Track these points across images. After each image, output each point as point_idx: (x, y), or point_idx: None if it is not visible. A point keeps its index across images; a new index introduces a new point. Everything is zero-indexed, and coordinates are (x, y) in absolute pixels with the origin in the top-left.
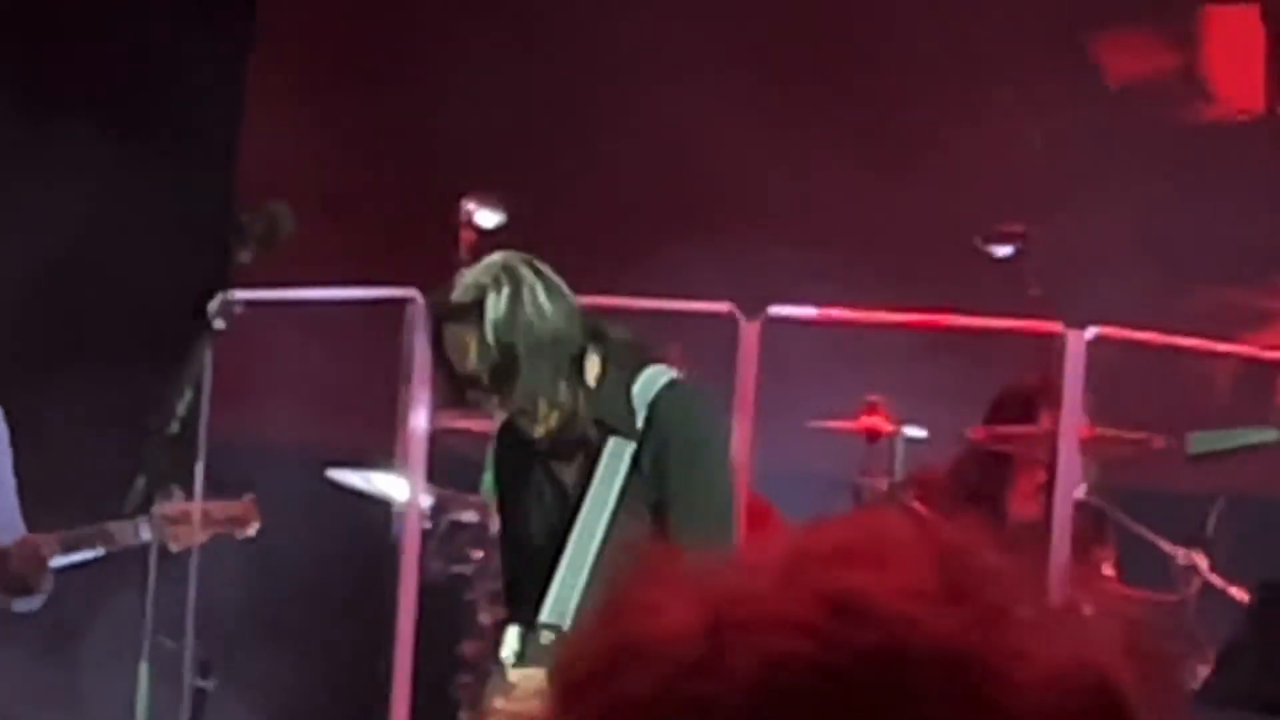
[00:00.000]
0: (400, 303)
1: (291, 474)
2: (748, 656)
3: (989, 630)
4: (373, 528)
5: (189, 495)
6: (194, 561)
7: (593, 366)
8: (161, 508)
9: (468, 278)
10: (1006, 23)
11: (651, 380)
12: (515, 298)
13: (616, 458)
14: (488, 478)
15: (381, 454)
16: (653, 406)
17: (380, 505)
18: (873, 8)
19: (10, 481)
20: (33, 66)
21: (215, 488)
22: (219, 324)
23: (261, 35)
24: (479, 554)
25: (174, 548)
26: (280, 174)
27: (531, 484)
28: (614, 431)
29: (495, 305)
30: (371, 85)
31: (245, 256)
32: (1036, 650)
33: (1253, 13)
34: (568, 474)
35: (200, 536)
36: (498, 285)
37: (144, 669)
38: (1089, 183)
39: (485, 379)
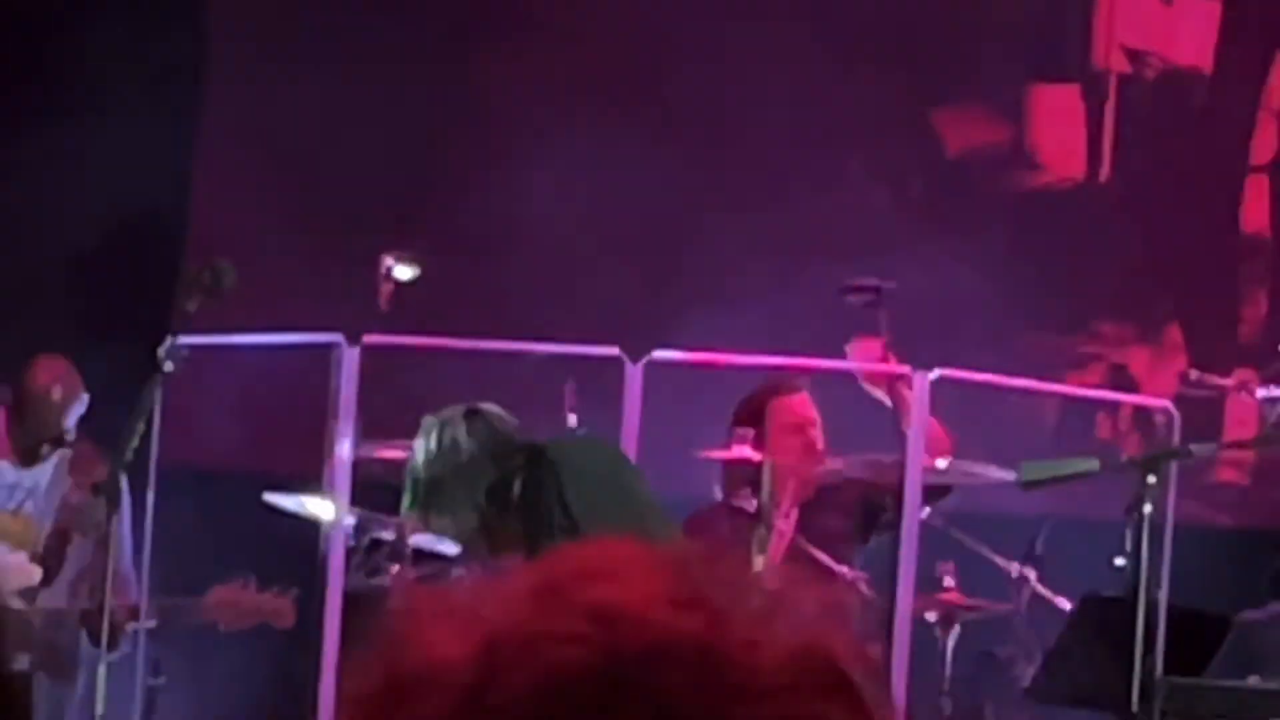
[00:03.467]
0: (327, 347)
1: (233, 497)
2: (523, 670)
3: (724, 626)
4: (304, 545)
5: (245, 581)
6: (145, 568)
7: (518, 486)
8: (216, 592)
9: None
10: (859, 98)
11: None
12: (438, 438)
13: None
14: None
15: (312, 480)
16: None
17: (310, 525)
18: (741, 80)
19: (129, 542)
20: None
21: (166, 510)
22: (168, 366)
23: (209, 106)
24: (395, 568)
25: (223, 627)
26: (226, 230)
27: None
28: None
29: (421, 447)
30: (308, 151)
31: (191, 306)
32: (768, 638)
33: (1074, 91)
34: None
35: (246, 623)
36: (426, 432)
37: (102, 670)
38: (932, 241)
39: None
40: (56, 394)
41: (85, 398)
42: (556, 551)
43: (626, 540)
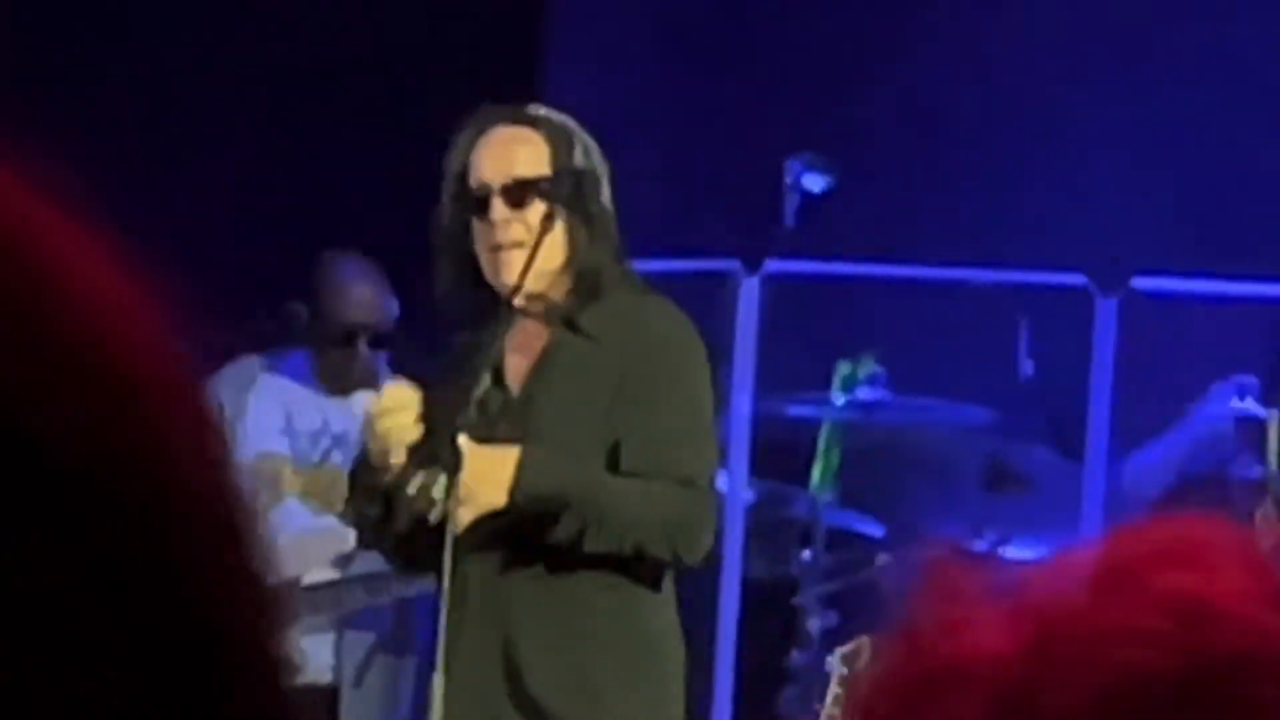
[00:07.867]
0: (721, 276)
1: None
2: (1085, 672)
3: None
4: None
5: None
6: None
7: None
8: None
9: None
10: None
11: None
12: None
13: None
14: (817, 471)
15: None
16: None
17: None
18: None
19: None
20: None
21: None
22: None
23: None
24: (806, 553)
25: None
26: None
27: None
28: None
29: (585, 138)
30: (696, 32)
31: None
32: None
33: None
34: None
35: None
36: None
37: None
38: None
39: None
40: (358, 291)
41: (394, 302)
42: (1121, 533)
43: (1205, 520)
